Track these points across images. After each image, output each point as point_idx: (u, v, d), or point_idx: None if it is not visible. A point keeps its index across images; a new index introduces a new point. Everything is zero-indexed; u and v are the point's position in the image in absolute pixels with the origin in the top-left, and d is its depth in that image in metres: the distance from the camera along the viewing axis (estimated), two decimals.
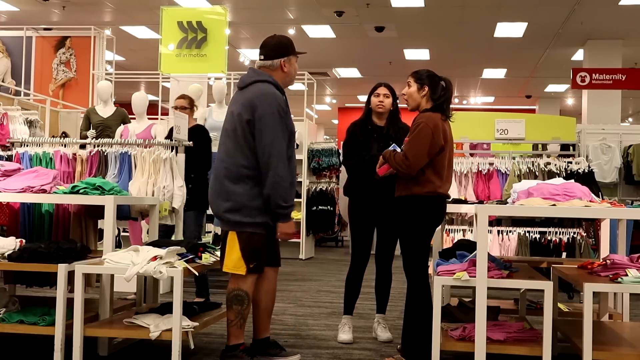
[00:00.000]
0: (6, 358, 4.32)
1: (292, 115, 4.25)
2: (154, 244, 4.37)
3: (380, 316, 5.03)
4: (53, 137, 8.04)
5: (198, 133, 6.03)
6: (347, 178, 5.04)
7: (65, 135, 8.64)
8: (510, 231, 7.31)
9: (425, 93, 4.18)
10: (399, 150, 4.26)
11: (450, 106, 4.25)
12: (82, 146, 5.59)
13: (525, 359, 3.95)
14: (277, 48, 4.14)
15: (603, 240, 5.24)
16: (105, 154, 5.30)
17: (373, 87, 4.99)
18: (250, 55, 15.58)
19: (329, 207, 11.23)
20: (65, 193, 4.51)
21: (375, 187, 4.71)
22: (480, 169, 7.66)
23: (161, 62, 10.34)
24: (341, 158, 11.31)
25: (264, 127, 3.91)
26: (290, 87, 4.33)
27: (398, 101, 4.98)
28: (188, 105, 6.20)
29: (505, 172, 7.61)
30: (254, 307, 4.22)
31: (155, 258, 3.98)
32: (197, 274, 4.19)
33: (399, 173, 4.15)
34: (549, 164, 7.50)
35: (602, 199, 5.48)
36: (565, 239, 7.17)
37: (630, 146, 8.82)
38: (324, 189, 11.28)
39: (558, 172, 7.37)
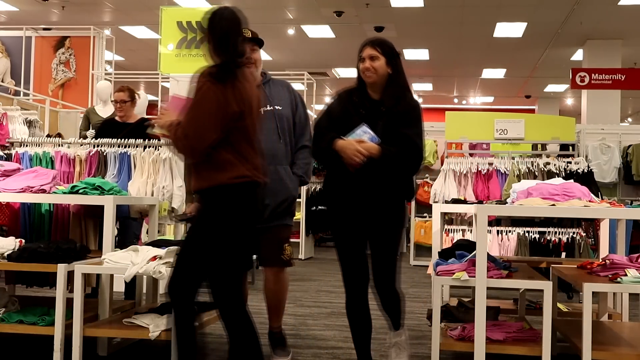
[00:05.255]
0: (6, 358, 4.32)
1: None
2: (153, 244, 4.37)
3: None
4: (48, 136, 8.04)
5: (143, 129, 5.05)
6: (324, 178, 3.79)
7: (59, 136, 8.63)
8: (509, 231, 7.32)
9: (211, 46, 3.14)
10: (370, 134, 3.38)
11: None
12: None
13: (524, 359, 3.95)
14: None
15: (602, 240, 5.23)
16: (104, 154, 5.30)
17: (359, 49, 3.64)
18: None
19: None
20: (64, 193, 4.51)
21: (355, 184, 3.51)
22: (479, 169, 7.67)
23: (161, 62, 10.34)
24: None
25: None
26: None
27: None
28: (128, 98, 5.57)
29: (505, 172, 7.61)
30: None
31: (154, 258, 3.98)
32: None
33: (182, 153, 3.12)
34: (548, 164, 7.51)
35: (602, 199, 5.49)
36: (564, 239, 7.17)
37: (629, 146, 8.84)
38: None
39: (557, 172, 7.38)
